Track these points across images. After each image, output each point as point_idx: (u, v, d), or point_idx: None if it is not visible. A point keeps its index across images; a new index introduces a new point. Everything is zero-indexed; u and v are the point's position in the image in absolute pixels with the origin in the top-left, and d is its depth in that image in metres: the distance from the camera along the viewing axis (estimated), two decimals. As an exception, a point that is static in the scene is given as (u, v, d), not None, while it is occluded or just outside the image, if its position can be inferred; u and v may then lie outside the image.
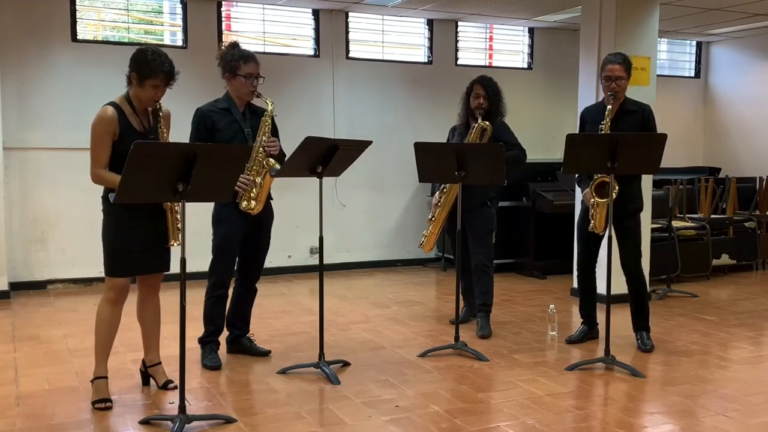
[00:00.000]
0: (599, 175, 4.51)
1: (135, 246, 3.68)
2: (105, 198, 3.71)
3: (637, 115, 4.71)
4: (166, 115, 3.81)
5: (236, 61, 4.31)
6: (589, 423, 3.55)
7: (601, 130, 4.54)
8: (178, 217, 3.68)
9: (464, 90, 5.27)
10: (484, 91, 5.12)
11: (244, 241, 4.43)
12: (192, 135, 4.34)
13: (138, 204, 3.57)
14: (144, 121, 3.75)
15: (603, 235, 4.66)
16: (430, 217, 5.32)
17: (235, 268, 4.54)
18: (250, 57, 4.35)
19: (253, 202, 4.27)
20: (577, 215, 5.07)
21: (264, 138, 4.29)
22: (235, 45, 4.42)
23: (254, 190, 4.26)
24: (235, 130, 4.33)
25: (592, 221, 4.64)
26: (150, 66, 3.63)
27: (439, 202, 5.21)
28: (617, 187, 4.43)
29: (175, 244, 3.71)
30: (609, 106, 4.59)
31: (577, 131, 5.04)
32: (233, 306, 4.58)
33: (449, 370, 4.35)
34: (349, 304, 6.25)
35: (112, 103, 3.69)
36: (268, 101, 4.35)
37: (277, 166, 4.27)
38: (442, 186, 5.21)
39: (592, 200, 4.58)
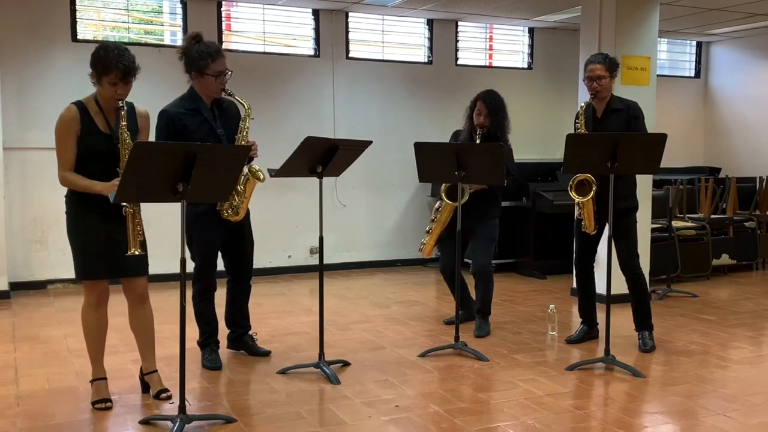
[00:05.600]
0: (580, 174, 4.53)
1: (101, 246, 3.56)
2: (68, 198, 3.63)
3: (622, 114, 4.65)
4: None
5: (204, 60, 4.04)
6: (589, 423, 3.55)
7: (577, 129, 4.58)
8: (140, 223, 3.49)
9: (469, 102, 5.22)
10: (486, 110, 5.04)
11: (228, 244, 4.37)
12: (158, 138, 4.07)
13: (100, 203, 3.49)
14: (111, 121, 3.57)
15: (595, 234, 4.68)
16: (427, 229, 5.31)
17: (225, 269, 4.50)
18: (217, 53, 4.08)
19: (235, 210, 4.18)
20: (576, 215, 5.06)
21: (243, 143, 4.11)
22: (198, 38, 4.12)
23: (236, 197, 4.13)
24: (207, 131, 4.13)
25: (583, 221, 4.65)
26: (103, 62, 3.44)
27: (435, 218, 5.22)
28: (594, 187, 4.46)
29: (135, 252, 3.47)
30: (582, 105, 4.62)
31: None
32: (230, 305, 4.56)
33: (449, 370, 4.35)
34: (349, 304, 6.24)
35: (77, 102, 3.57)
36: (244, 103, 4.16)
37: (261, 173, 4.16)
38: (437, 204, 5.20)
39: (576, 199, 4.59)
